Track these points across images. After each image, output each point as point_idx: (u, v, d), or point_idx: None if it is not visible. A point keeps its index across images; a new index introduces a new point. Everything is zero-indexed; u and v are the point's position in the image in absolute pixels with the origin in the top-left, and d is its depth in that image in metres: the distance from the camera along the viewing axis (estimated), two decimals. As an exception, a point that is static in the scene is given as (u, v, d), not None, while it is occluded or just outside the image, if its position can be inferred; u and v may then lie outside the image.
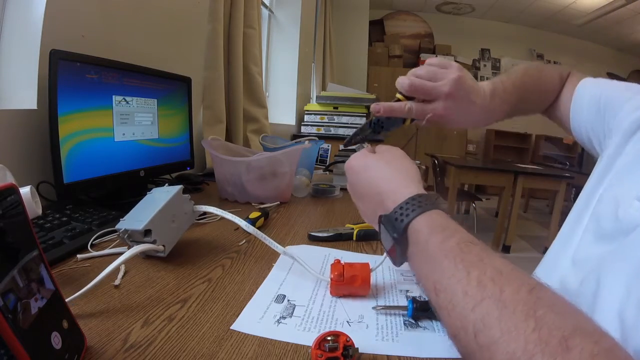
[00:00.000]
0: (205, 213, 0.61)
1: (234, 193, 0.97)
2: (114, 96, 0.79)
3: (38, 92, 0.76)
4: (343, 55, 4.70)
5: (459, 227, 0.35)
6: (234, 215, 0.57)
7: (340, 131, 2.52)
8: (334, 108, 2.55)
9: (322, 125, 2.56)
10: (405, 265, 0.38)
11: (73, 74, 0.69)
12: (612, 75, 5.33)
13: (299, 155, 0.99)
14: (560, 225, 0.51)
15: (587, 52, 5.75)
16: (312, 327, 0.42)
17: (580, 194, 0.50)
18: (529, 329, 0.23)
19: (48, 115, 0.65)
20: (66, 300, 0.34)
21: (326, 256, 0.63)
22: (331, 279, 0.48)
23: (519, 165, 3.94)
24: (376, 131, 0.52)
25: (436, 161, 3.60)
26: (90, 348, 0.34)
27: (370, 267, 0.49)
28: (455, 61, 0.54)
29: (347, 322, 0.43)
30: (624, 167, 0.42)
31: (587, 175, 0.50)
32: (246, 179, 0.94)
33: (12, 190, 0.29)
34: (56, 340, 0.29)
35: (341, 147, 0.54)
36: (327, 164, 1.68)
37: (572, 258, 0.44)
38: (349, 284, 0.48)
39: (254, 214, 0.77)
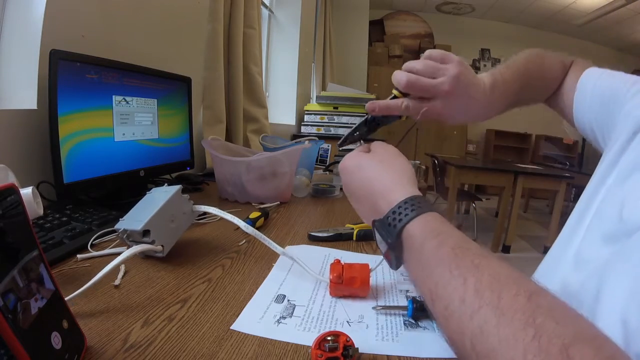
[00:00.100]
0: (205, 213, 0.60)
1: (234, 193, 0.97)
2: (114, 96, 0.79)
3: (38, 92, 0.76)
4: (343, 55, 4.71)
5: (453, 230, 0.34)
6: (232, 216, 0.57)
7: (341, 131, 2.52)
8: (334, 108, 2.55)
9: (322, 125, 2.56)
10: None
11: (73, 74, 0.69)
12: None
13: (299, 155, 0.99)
14: (560, 225, 0.50)
15: (587, 52, 5.74)
16: (312, 327, 0.42)
17: (583, 193, 0.48)
18: (528, 338, 0.23)
19: (48, 115, 0.65)
20: (65, 298, 0.34)
21: (326, 256, 0.63)
22: (330, 280, 0.48)
23: (519, 165, 3.94)
24: (372, 129, 0.51)
25: (436, 161, 3.60)
26: (90, 348, 0.34)
27: (370, 268, 0.49)
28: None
29: (347, 322, 0.43)
30: (627, 165, 0.41)
31: (587, 175, 0.49)
32: (246, 179, 0.94)
33: (12, 191, 0.29)
34: (56, 340, 0.29)
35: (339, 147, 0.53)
36: (327, 164, 1.68)
37: (573, 258, 0.43)
38: (348, 285, 0.48)
39: (254, 214, 0.77)
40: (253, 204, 0.94)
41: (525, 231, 3.96)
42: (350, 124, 2.51)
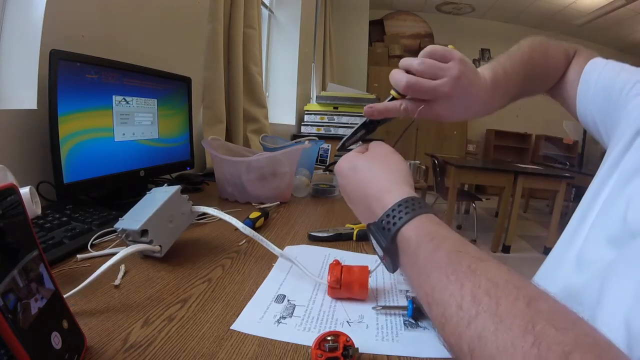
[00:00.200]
0: (205, 213, 0.60)
1: (234, 193, 0.97)
2: (114, 96, 0.79)
3: (38, 92, 0.76)
4: (343, 55, 4.71)
5: (450, 232, 0.33)
6: (230, 217, 0.56)
7: (341, 131, 2.53)
8: (334, 108, 2.56)
9: (322, 125, 2.56)
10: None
11: (73, 74, 0.69)
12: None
13: (299, 155, 0.99)
14: (560, 225, 0.50)
15: (587, 52, 5.75)
16: (312, 327, 0.42)
17: (585, 194, 0.47)
18: (527, 345, 0.22)
19: (48, 115, 0.65)
20: (64, 297, 0.34)
21: (326, 256, 0.63)
22: (328, 285, 0.48)
23: (519, 165, 3.94)
24: (371, 131, 0.50)
25: (436, 161, 3.60)
26: (90, 348, 0.34)
27: (370, 269, 0.49)
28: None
29: (347, 322, 0.43)
30: (631, 166, 0.40)
31: (587, 175, 0.49)
32: (246, 179, 0.94)
33: (12, 191, 0.29)
34: (56, 340, 0.29)
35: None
36: (327, 164, 1.68)
37: (576, 259, 0.42)
38: (346, 289, 0.47)
39: (254, 214, 0.77)
40: (253, 204, 0.94)
41: (525, 231, 3.96)
42: (351, 124, 2.51)
